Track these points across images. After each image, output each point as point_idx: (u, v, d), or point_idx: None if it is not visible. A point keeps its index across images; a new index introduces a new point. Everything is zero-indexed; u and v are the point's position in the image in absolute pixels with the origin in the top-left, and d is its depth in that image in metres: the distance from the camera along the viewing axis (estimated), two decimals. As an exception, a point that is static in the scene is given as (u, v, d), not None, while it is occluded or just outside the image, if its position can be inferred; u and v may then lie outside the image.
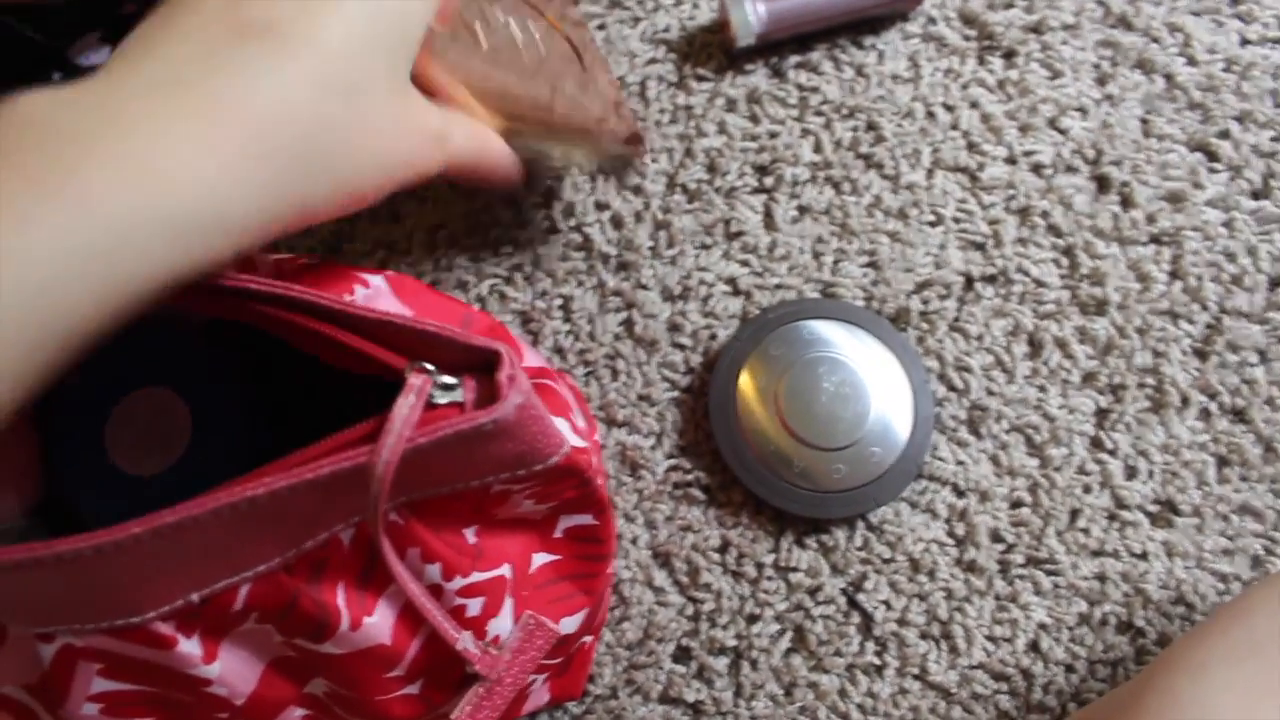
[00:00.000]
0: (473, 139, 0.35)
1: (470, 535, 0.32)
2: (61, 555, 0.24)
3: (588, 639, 0.40)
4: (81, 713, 0.28)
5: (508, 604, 0.32)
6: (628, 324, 0.45)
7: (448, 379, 0.27)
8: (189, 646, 0.28)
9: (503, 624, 0.32)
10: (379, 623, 0.30)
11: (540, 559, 0.34)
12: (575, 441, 0.33)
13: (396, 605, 0.30)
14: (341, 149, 0.28)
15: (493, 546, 0.32)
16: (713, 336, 0.45)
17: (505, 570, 0.32)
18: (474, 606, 0.32)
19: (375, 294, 0.33)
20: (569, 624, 0.35)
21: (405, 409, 0.26)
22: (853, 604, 0.43)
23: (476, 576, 0.31)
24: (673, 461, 0.44)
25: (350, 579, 0.29)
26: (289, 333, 0.29)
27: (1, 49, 0.43)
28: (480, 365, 0.28)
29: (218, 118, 0.25)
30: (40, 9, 0.42)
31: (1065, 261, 0.46)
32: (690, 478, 0.44)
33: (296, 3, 0.27)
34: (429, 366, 0.27)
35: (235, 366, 0.36)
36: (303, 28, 0.27)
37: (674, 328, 0.45)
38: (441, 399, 0.27)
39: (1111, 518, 0.43)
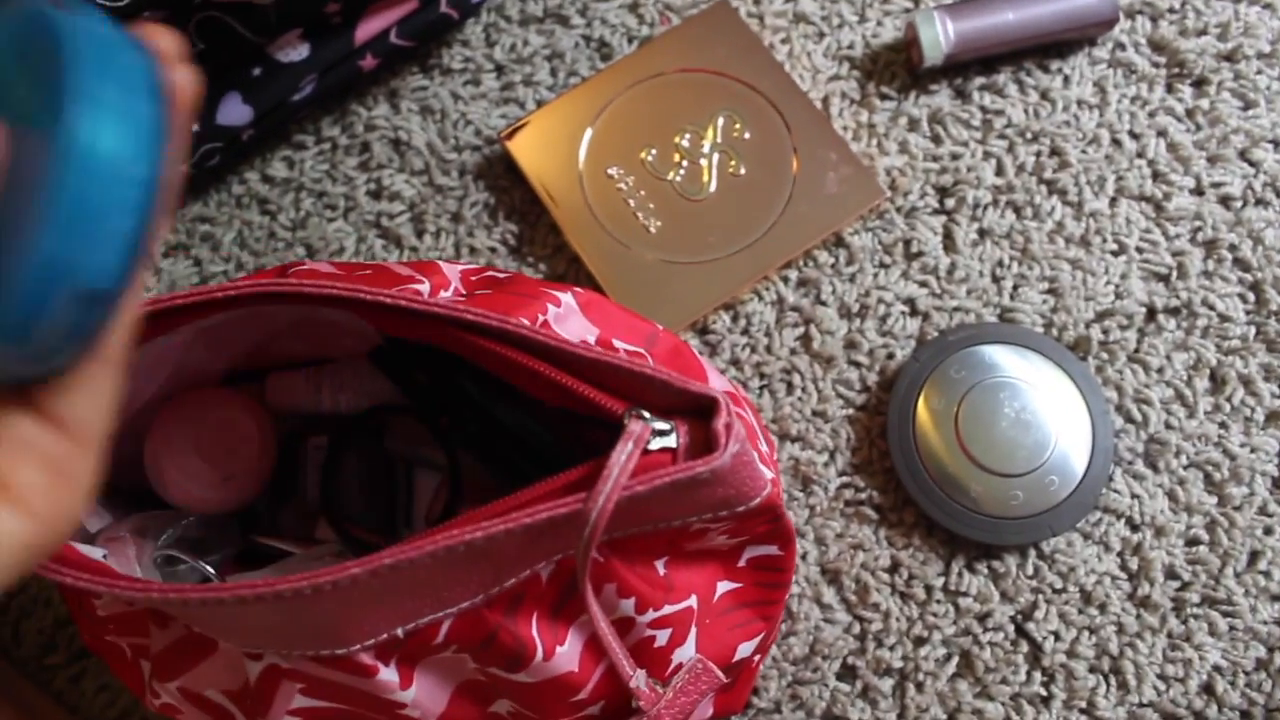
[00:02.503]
0: None
1: (660, 567, 0.32)
2: (282, 593, 0.25)
3: (756, 657, 0.40)
4: None
5: (692, 633, 0.33)
6: (805, 339, 0.45)
7: (662, 424, 0.27)
8: (388, 674, 0.28)
9: (687, 652, 0.33)
10: (569, 652, 0.30)
11: (723, 587, 0.34)
12: (766, 473, 0.33)
13: (585, 633, 0.31)
14: None
15: (681, 578, 0.33)
16: (889, 356, 0.45)
17: (692, 601, 0.33)
18: (662, 637, 0.32)
19: (566, 313, 0.33)
20: (745, 649, 0.35)
21: (623, 457, 0.26)
22: (1021, 633, 0.42)
23: (667, 609, 0.32)
24: (845, 479, 0.44)
25: (545, 610, 0.30)
26: (500, 365, 0.29)
27: (211, 42, 0.44)
28: (695, 409, 0.28)
29: None
30: (249, 5, 0.44)
31: (1252, 297, 0.45)
32: (863, 496, 0.43)
33: None
34: (646, 414, 0.27)
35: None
36: None
37: (851, 345, 0.45)
38: (655, 444, 0.27)
39: (1293, 562, 0.42)
